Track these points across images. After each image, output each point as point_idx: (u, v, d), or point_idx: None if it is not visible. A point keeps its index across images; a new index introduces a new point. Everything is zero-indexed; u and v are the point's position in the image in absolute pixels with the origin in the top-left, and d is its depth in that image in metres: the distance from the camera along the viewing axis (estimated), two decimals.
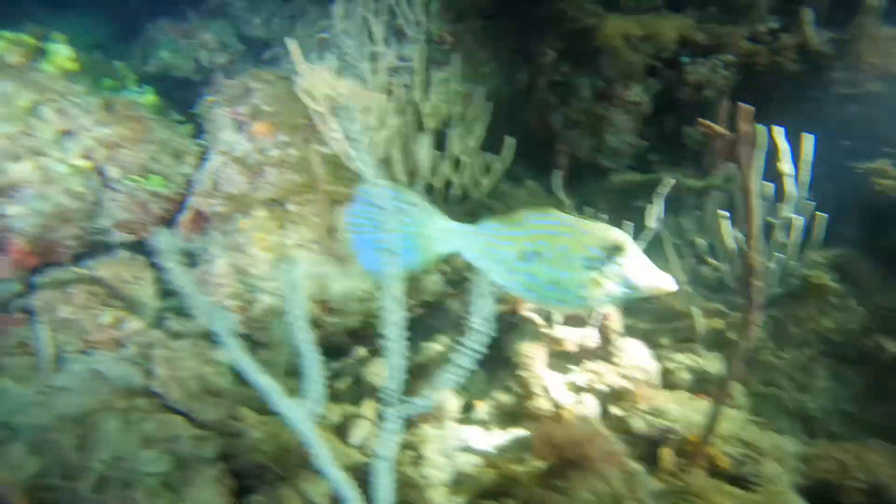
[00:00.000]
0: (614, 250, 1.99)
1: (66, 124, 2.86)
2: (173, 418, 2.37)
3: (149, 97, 3.28)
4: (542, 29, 4.05)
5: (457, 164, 3.13)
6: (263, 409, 2.40)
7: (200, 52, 5.05)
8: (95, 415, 2.48)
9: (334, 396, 2.68)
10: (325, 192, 2.74)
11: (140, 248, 3.20)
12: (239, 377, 2.59)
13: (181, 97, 4.24)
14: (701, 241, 3.40)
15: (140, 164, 3.01)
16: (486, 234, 2.22)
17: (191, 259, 3.20)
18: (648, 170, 3.73)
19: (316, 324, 2.66)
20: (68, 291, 2.77)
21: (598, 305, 2.32)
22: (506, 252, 2.18)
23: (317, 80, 3.41)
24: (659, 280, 1.89)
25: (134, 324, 2.81)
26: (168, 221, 3.25)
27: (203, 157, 3.32)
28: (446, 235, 2.16)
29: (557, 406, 2.66)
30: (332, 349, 2.82)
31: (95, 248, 3.04)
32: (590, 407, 2.68)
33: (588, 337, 2.84)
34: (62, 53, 2.92)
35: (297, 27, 5.71)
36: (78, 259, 2.95)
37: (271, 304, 2.70)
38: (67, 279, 2.80)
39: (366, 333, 2.72)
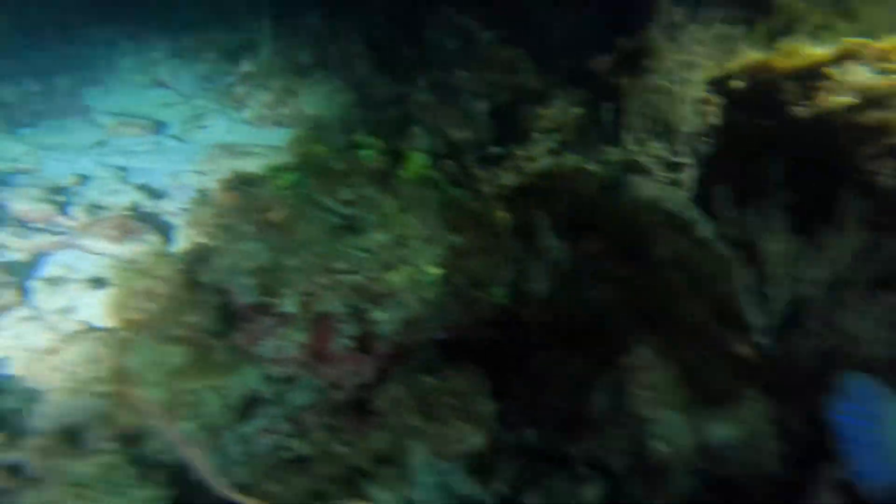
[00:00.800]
0: None
1: (425, 231, 2.93)
2: None
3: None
4: None
5: None
6: None
7: (450, 128, 5.18)
8: None
9: None
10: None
11: (459, 349, 3.20)
12: None
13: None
14: None
15: (483, 273, 3.04)
16: None
17: None
18: None
19: (693, 473, 2.53)
20: (419, 398, 2.80)
21: None
22: None
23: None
24: None
25: (477, 439, 2.80)
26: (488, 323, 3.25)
27: None
28: None
29: None
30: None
31: (429, 350, 3.08)
32: None
33: None
34: (417, 159, 3.02)
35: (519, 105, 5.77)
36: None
37: None
38: (420, 385, 2.83)
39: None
